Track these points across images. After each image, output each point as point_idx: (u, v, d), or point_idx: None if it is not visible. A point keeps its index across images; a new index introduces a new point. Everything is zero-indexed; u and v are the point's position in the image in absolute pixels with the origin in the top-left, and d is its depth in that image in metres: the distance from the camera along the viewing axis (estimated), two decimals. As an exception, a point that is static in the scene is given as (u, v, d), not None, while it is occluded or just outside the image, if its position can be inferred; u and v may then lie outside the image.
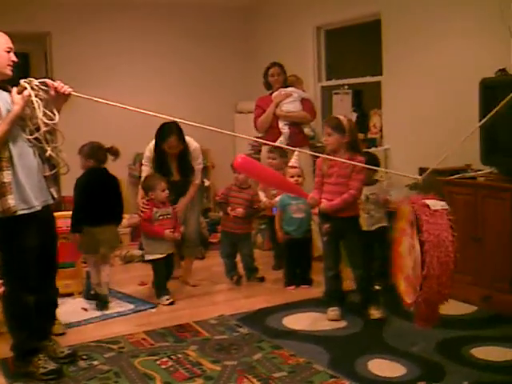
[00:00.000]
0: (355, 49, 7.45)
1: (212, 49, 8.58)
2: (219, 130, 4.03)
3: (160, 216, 5.37)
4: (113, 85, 7.43)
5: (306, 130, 6.64)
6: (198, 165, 5.76)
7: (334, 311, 4.81)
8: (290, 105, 6.48)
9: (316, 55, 7.65)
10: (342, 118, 4.80)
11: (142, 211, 5.40)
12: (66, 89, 3.74)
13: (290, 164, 5.91)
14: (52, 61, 7.76)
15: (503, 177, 4.81)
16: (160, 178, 5.45)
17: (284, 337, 4.46)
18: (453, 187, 5.01)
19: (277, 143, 6.54)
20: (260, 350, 4.22)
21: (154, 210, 5.36)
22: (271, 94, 6.61)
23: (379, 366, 3.89)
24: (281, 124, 6.44)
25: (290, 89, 6.57)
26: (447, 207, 3.66)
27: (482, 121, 3.97)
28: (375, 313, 4.76)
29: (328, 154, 4.73)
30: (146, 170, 5.71)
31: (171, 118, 4.07)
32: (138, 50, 8.10)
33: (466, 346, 4.13)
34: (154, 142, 5.70)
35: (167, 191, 5.41)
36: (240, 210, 5.74)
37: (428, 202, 3.66)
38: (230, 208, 5.78)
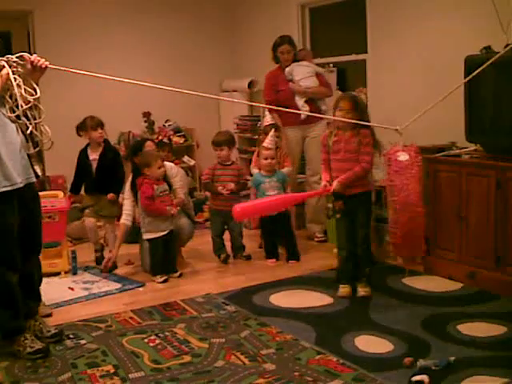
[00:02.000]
0: (340, 27, 7.42)
1: (196, 27, 8.54)
2: (223, 97, 3.97)
3: (160, 193, 5.38)
4: (96, 64, 7.36)
5: (324, 108, 6.40)
6: (177, 182, 5.72)
7: (344, 288, 4.79)
8: (308, 80, 6.32)
9: (301, 33, 7.62)
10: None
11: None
12: (43, 62, 3.70)
13: (264, 145, 5.89)
14: (35, 39, 7.69)
15: (488, 154, 4.82)
16: (157, 155, 5.43)
17: (271, 314, 4.47)
18: (437, 165, 5.03)
19: (265, 121, 6.53)
20: (247, 327, 4.24)
21: (155, 187, 5.35)
22: (280, 67, 6.45)
23: (366, 343, 3.91)
24: (300, 101, 6.27)
25: (304, 63, 6.41)
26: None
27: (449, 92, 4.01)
28: (361, 290, 4.77)
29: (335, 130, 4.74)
30: (127, 204, 5.64)
31: (153, 85, 4.01)
32: (121, 29, 8.05)
33: (452, 323, 4.16)
34: (131, 176, 5.68)
35: (163, 169, 5.42)
36: (231, 185, 5.75)
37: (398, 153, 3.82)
38: (219, 186, 5.77)
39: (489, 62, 3.98)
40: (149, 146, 5.72)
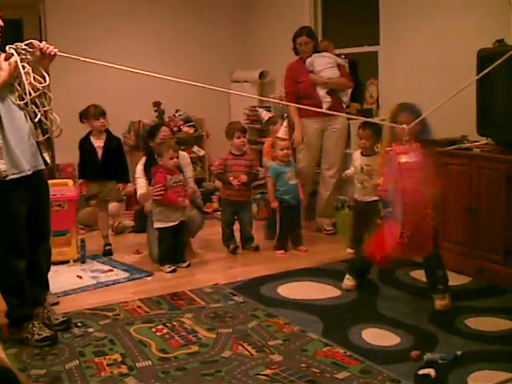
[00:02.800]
0: (352, 18, 7.38)
1: (207, 16, 8.50)
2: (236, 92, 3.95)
3: (174, 183, 5.38)
4: (108, 52, 7.34)
5: (345, 100, 6.33)
6: (189, 172, 5.76)
7: (348, 280, 4.76)
8: (329, 71, 6.21)
9: (313, 24, 7.57)
10: None
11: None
12: (52, 49, 3.70)
13: (278, 135, 5.89)
14: (46, 27, 7.68)
15: (499, 148, 4.80)
16: (171, 145, 5.43)
17: (279, 305, 4.47)
18: (448, 158, 5.01)
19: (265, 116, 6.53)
20: (255, 318, 4.25)
21: (168, 177, 5.36)
22: (301, 58, 6.35)
23: (373, 335, 3.91)
24: (322, 92, 6.16)
25: (325, 54, 6.33)
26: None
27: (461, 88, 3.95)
28: (438, 304, 4.32)
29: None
30: (141, 182, 5.62)
31: (161, 76, 4.00)
32: (133, 18, 8.02)
33: (460, 317, 4.15)
34: (143, 159, 5.69)
35: (176, 160, 5.40)
36: (244, 177, 5.75)
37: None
38: (231, 177, 5.77)
39: (503, 58, 3.94)
40: (164, 131, 5.69)
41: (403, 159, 3.70)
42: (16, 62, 3.62)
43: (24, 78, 3.64)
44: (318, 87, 6.20)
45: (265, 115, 6.56)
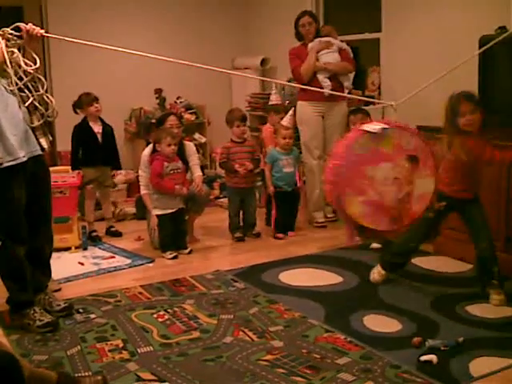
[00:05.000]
0: (354, 5, 7.37)
1: (208, 3, 8.48)
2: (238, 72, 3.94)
3: (171, 170, 5.37)
4: (108, 39, 7.31)
5: (346, 84, 6.13)
6: (194, 160, 5.74)
7: (379, 272, 4.60)
8: (329, 56, 6.07)
9: (314, 10, 7.55)
10: None
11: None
12: (38, 30, 3.67)
13: (283, 124, 5.88)
14: (47, 15, 7.65)
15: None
16: (169, 133, 5.42)
17: (280, 292, 4.48)
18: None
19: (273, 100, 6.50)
20: (256, 304, 4.25)
21: (165, 164, 5.34)
22: (303, 44, 6.21)
23: (375, 322, 3.92)
24: (321, 77, 6.00)
25: (327, 39, 6.18)
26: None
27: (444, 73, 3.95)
28: (496, 298, 4.19)
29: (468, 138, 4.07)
30: (143, 180, 5.55)
31: (166, 59, 3.98)
32: (133, 4, 8.01)
33: (461, 303, 4.16)
34: (150, 146, 5.62)
35: (174, 147, 5.37)
36: (250, 164, 5.77)
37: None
38: (237, 165, 5.76)
39: (502, 36, 3.94)
40: (171, 120, 5.68)
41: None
42: (1, 47, 3.59)
43: (8, 63, 3.59)
44: (317, 72, 6.05)
45: (274, 99, 6.50)
